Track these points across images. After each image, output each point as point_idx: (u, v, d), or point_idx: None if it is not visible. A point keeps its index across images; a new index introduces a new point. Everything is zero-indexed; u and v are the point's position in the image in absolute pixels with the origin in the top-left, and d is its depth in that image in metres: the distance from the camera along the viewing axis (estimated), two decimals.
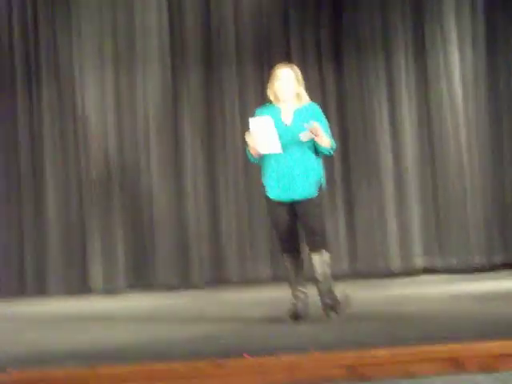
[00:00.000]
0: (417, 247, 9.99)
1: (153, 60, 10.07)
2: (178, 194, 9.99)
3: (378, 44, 10.15)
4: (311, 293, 6.07)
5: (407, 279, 9.44)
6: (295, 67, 6.12)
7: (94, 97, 9.99)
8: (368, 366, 4.32)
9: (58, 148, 9.96)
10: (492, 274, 9.51)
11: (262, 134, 5.80)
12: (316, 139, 5.83)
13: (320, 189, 5.99)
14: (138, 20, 10.06)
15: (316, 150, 5.96)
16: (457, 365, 4.33)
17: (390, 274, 9.74)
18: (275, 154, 5.89)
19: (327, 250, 6.01)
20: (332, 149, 5.98)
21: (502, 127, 10.20)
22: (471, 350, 4.40)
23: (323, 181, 6.04)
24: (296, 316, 5.98)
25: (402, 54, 10.15)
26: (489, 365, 4.34)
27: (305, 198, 5.92)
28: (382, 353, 4.39)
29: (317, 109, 6.07)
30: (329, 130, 6.01)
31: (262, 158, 6.02)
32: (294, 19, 10.14)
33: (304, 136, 5.82)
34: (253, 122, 5.85)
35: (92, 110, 9.98)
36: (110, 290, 9.67)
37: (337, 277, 6.26)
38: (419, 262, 9.97)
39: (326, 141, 5.90)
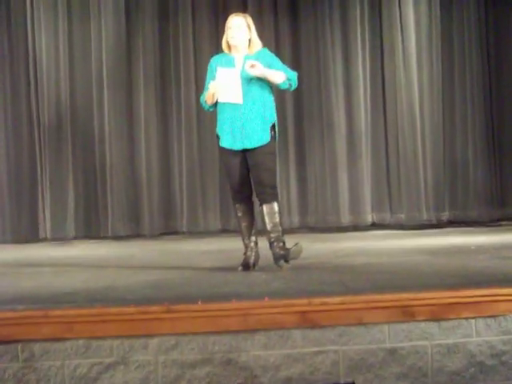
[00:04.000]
0: (367, 202, 10.09)
1: (107, 7, 9.93)
2: (130, 143, 9.94)
3: None
4: (262, 243, 6.11)
5: (357, 233, 9.54)
6: (248, 16, 6.14)
7: (46, 44, 9.85)
8: (319, 313, 4.37)
9: (8, 93, 9.80)
10: (439, 230, 9.67)
11: (226, 84, 5.90)
12: (257, 73, 5.83)
13: (272, 138, 6.00)
14: None
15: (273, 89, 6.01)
16: (406, 313, 4.41)
17: (340, 229, 9.84)
18: (229, 103, 5.92)
19: (277, 201, 6.03)
20: (291, 80, 5.96)
21: (454, 86, 10.30)
22: (420, 299, 4.48)
23: (276, 130, 6.05)
24: (247, 265, 6.03)
25: (358, 8, 10.14)
26: (436, 313, 4.43)
27: (256, 146, 5.94)
28: (334, 300, 4.44)
29: (267, 52, 6.09)
30: (284, 66, 6.02)
31: (216, 106, 6.06)
32: None
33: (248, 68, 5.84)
34: (221, 72, 5.96)
35: (45, 56, 9.84)
36: (59, 239, 9.61)
37: (287, 230, 6.27)
38: (369, 217, 10.09)
39: (276, 75, 5.91)
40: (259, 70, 5.86)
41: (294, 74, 6.00)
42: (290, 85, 5.99)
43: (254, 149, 5.95)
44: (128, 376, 4.26)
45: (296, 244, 6.00)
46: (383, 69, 10.21)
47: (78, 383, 4.24)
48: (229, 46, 6.10)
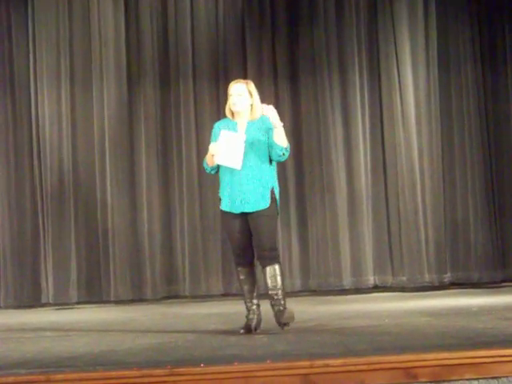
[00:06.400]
0: (369, 265, 10.10)
1: (109, 75, 10.08)
2: (132, 209, 9.98)
3: (333, 63, 10.28)
4: (265, 306, 6.12)
5: (359, 296, 9.55)
6: (250, 82, 6.23)
7: (49, 109, 9.97)
8: (321, 375, 4.37)
9: (11, 159, 9.91)
10: (441, 291, 9.65)
11: (228, 148, 5.96)
12: (276, 117, 5.94)
13: (273, 201, 6.06)
14: (95, 34, 10.08)
15: (270, 157, 6.07)
16: (408, 375, 4.40)
17: (342, 291, 9.84)
18: (229, 167, 5.99)
19: (278, 263, 6.05)
20: (286, 149, 6.04)
21: (453, 147, 10.38)
22: (422, 360, 4.47)
23: (277, 194, 6.11)
24: (250, 328, 6.04)
25: (357, 72, 10.28)
26: (439, 375, 4.42)
27: (256, 210, 6.00)
28: (335, 362, 4.44)
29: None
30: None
31: (218, 169, 6.16)
32: (251, 37, 10.24)
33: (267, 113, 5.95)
34: (224, 134, 6.04)
35: (47, 124, 9.95)
36: (62, 304, 9.62)
37: (289, 293, 6.28)
38: (371, 279, 10.09)
39: (282, 134, 6.00)
40: (276, 117, 5.95)
41: (288, 146, 6.09)
42: (284, 154, 6.05)
43: (254, 212, 6.01)
44: None
45: (285, 309, 5.98)
46: (383, 131, 10.30)
47: None
48: (231, 112, 6.21)
